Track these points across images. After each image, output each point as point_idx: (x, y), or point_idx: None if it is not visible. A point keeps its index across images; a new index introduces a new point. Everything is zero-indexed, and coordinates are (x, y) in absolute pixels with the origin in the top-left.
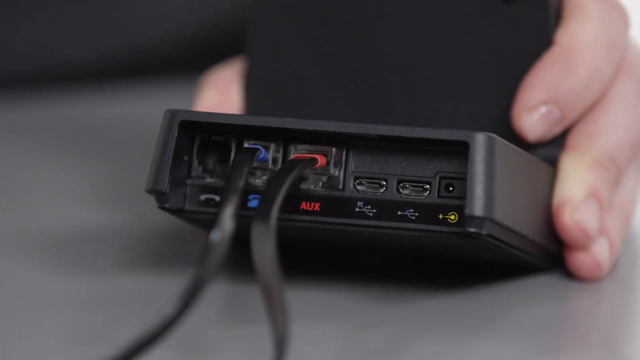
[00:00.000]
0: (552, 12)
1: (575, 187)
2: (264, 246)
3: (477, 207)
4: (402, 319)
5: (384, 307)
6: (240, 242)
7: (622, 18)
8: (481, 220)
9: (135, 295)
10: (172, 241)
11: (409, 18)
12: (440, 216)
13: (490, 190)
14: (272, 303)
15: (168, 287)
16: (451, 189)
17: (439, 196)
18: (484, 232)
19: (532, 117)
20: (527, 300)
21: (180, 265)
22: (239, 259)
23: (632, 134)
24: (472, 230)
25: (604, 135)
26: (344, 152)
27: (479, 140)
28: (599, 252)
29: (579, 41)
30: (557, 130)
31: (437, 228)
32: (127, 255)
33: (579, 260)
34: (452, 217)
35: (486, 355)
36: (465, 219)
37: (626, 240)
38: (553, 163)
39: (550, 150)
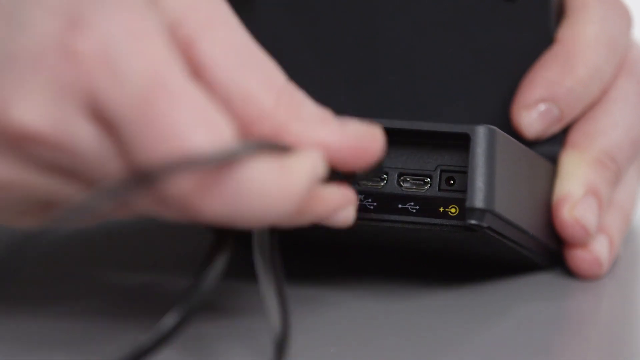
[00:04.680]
0: (553, 10)
1: (575, 184)
2: (264, 246)
3: (478, 199)
4: (402, 317)
5: (384, 306)
6: (241, 242)
7: (623, 18)
8: (482, 212)
9: (135, 295)
10: (171, 242)
11: (410, 16)
12: (441, 209)
13: (491, 182)
14: (272, 302)
15: (168, 287)
16: (452, 182)
17: (439, 189)
18: (484, 224)
19: (531, 114)
20: (526, 298)
21: (180, 265)
22: (239, 259)
23: (632, 133)
24: (473, 222)
25: (605, 134)
26: None
27: (480, 133)
28: (599, 250)
29: (579, 40)
30: (555, 128)
31: (437, 221)
32: (127, 255)
33: (578, 257)
34: (453, 210)
35: (485, 353)
36: (465, 211)
37: (626, 239)
38: (554, 160)
39: (550, 147)
